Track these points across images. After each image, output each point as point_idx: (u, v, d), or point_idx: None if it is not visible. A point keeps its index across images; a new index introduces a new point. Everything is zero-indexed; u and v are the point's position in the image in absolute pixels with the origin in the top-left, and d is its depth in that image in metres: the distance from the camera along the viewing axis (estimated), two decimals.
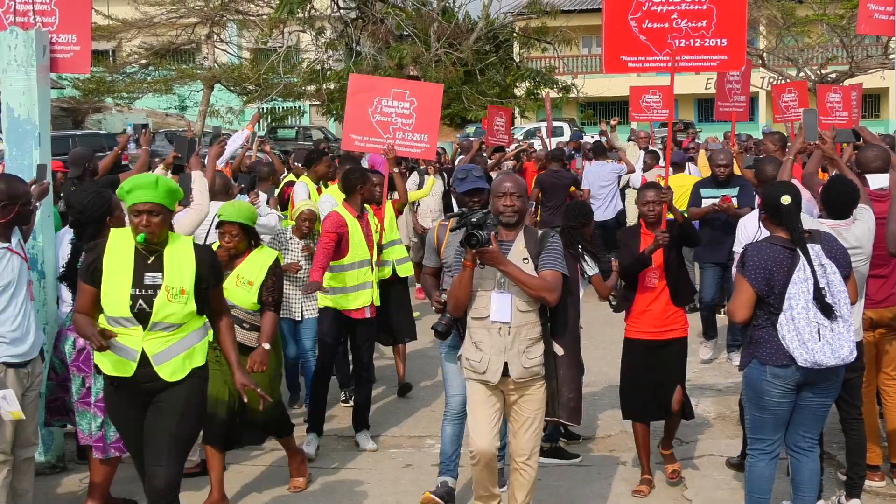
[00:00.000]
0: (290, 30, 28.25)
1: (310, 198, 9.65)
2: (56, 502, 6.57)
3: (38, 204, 6.45)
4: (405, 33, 27.85)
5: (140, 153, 9.07)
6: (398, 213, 9.59)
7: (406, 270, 9.24)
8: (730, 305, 5.47)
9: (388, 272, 8.98)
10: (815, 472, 5.55)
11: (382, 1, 28.23)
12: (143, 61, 32.55)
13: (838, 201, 5.99)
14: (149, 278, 4.95)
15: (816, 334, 5.09)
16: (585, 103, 36.89)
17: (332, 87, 28.76)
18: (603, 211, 13.99)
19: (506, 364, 5.32)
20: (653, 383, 6.72)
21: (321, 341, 7.79)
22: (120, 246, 5.05)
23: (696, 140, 21.94)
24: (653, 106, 16.62)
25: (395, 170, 9.00)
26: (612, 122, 17.30)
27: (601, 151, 14.87)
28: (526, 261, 5.30)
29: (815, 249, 5.20)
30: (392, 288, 8.94)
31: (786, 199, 5.25)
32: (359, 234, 7.75)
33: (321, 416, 7.65)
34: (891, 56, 28.88)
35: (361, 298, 7.76)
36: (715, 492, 6.62)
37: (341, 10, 28.06)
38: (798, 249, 5.17)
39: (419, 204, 13.09)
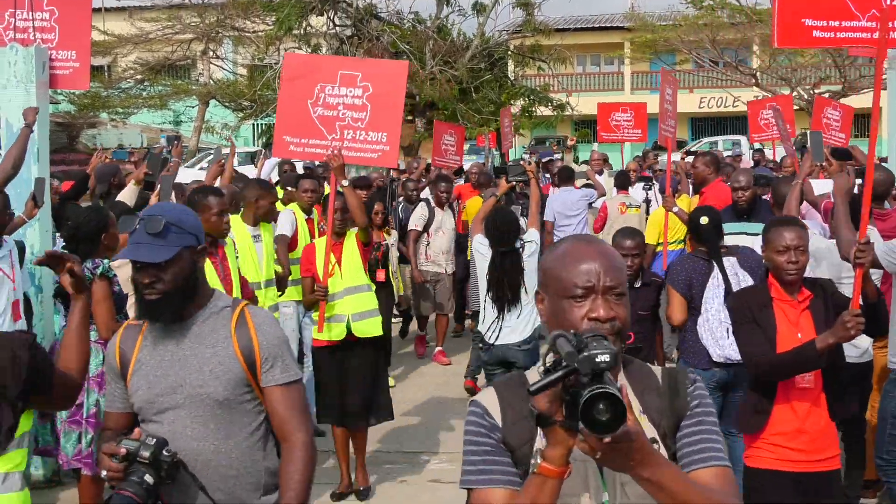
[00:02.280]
0: (285, 46, 28.32)
1: (295, 229, 8.45)
2: None
3: (24, 217, 6.50)
4: (400, 51, 27.93)
5: (171, 166, 8.90)
6: (364, 244, 6.99)
7: (368, 329, 6.86)
8: (667, 311, 6.20)
9: (339, 332, 6.80)
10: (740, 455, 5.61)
11: (378, 18, 28.33)
12: (139, 77, 32.60)
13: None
14: None
15: (726, 332, 5.69)
16: (580, 121, 37.06)
17: None
18: None
19: None
20: None
21: None
22: None
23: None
24: (623, 125, 14.88)
25: (345, 183, 6.74)
26: (569, 143, 15.93)
27: (568, 176, 12.38)
28: (655, 443, 2.33)
29: (730, 261, 6.02)
30: (351, 356, 6.87)
31: (704, 220, 6.13)
32: (209, 273, 5.93)
33: None
34: (883, 76, 29.07)
35: None
36: None
37: (337, 28, 28.16)
38: (713, 261, 6.00)
39: (428, 244, 10.73)
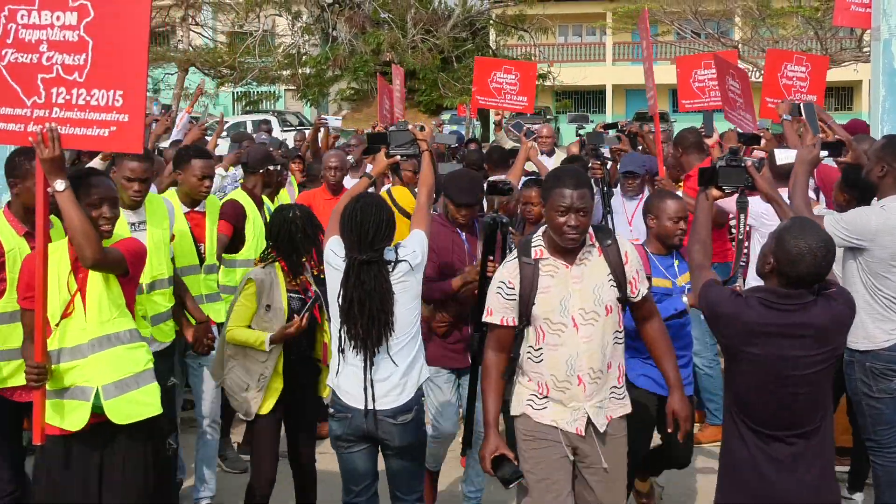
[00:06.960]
0: (265, 13, 28.11)
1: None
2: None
3: None
4: (382, 19, 27.77)
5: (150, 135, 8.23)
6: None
7: (133, 410, 4.02)
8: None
9: (80, 417, 3.94)
10: None
11: None
12: None
13: (864, 184, 5.57)
14: None
15: None
16: (561, 92, 36.97)
17: (307, 71, 28.70)
18: None
19: None
20: None
21: None
22: None
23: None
24: (506, 89, 11.89)
25: (60, 187, 3.87)
26: (496, 118, 12.88)
27: (503, 160, 9.52)
28: None
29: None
30: (106, 452, 4.06)
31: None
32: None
33: None
34: (865, 49, 29.11)
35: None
36: (687, 479, 6.65)
37: None
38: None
39: None
